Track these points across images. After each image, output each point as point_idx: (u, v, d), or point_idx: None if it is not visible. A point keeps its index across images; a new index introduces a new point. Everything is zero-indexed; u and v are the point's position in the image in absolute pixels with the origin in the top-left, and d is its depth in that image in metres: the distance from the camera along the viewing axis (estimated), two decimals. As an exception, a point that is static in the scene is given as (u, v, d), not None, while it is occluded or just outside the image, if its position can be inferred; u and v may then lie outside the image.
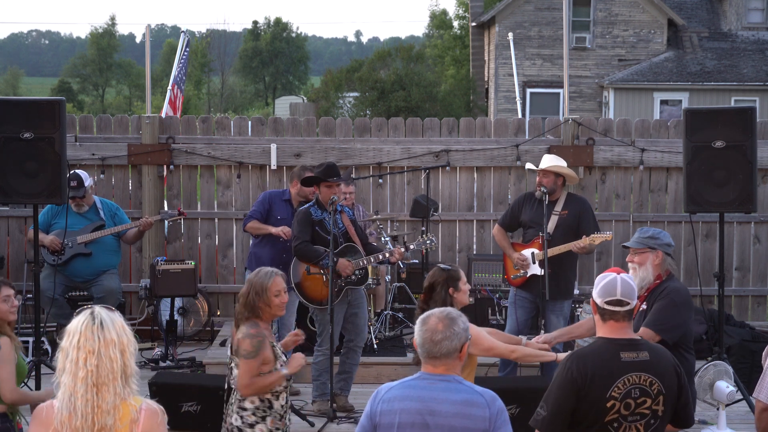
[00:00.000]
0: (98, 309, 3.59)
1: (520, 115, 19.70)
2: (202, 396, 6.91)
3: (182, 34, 13.67)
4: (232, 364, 5.31)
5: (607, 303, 4.33)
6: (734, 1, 29.35)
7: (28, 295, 9.05)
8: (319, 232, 7.70)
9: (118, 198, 10.07)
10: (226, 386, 5.45)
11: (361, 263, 7.78)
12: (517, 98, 20.89)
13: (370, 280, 8.63)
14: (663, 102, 27.74)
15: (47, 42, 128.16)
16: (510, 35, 21.38)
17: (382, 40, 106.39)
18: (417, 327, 4.07)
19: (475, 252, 10.30)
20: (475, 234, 10.37)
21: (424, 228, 9.47)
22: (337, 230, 7.74)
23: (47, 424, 3.54)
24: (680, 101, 27.38)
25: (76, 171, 9.05)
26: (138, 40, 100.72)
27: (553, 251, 7.80)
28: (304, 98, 46.38)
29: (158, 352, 9.04)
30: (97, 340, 3.51)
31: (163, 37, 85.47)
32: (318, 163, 8.46)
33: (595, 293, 4.38)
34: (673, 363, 4.37)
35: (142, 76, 21.96)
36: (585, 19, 28.82)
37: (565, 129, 10.13)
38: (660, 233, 6.00)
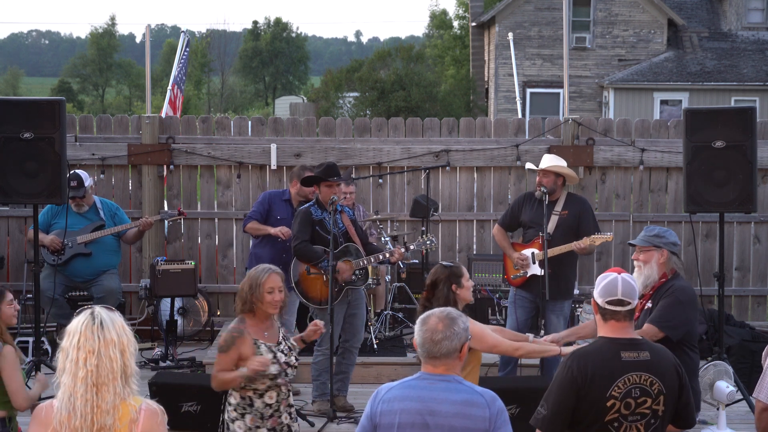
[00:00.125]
0: (98, 309, 3.59)
1: (520, 115, 19.70)
2: (202, 396, 6.90)
3: (182, 34, 13.67)
4: None
5: (608, 303, 4.33)
6: (734, 1, 29.35)
7: (28, 295, 9.05)
8: (319, 232, 7.69)
9: (118, 198, 10.07)
10: None
11: (361, 263, 7.78)
12: (517, 98, 20.89)
13: (370, 280, 8.63)
14: (663, 102, 27.74)
15: (47, 42, 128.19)
16: (510, 35, 21.39)
17: (382, 40, 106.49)
18: (417, 327, 4.07)
19: (475, 252, 10.30)
20: (475, 234, 10.37)
21: (424, 228, 9.47)
22: (337, 230, 7.74)
23: (47, 424, 3.54)
24: (680, 101, 27.38)
25: (76, 171, 9.05)
26: (138, 40, 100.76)
27: (553, 251, 7.79)
28: (304, 98, 46.39)
29: (158, 352, 9.04)
30: (97, 340, 3.51)
31: (163, 37, 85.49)
32: (318, 163, 8.46)
33: (596, 293, 4.38)
34: (674, 363, 4.36)
35: (142, 76, 21.96)
36: (585, 19, 28.82)
37: (565, 129, 10.13)
38: (666, 232, 5.99)
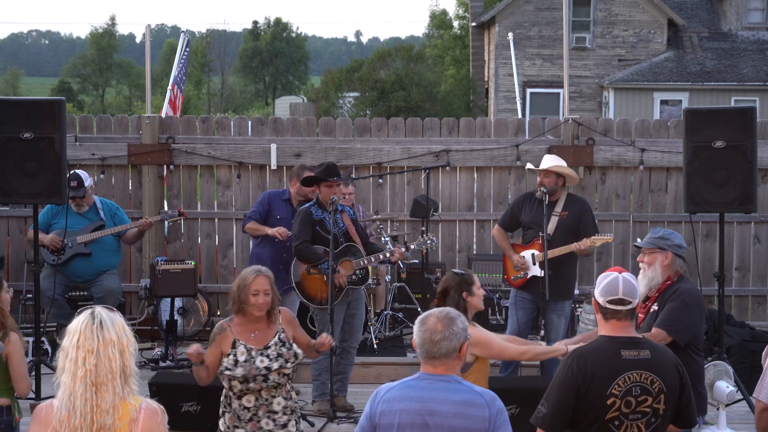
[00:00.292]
0: (99, 309, 3.60)
1: (520, 115, 19.70)
2: (202, 396, 6.89)
3: (182, 34, 13.67)
4: None
5: (609, 302, 4.33)
6: (734, 1, 29.34)
7: (28, 295, 9.06)
8: (320, 232, 7.69)
9: (118, 198, 10.07)
10: None
11: (361, 263, 7.77)
12: (517, 98, 20.88)
13: (370, 280, 8.63)
14: (663, 102, 27.74)
15: (47, 42, 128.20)
16: (510, 35, 21.38)
17: (382, 40, 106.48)
18: (416, 327, 4.07)
19: (475, 252, 10.30)
20: (475, 234, 10.37)
21: (424, 228, 9.48)
22: (338, 230, 7.74)
23: (46, 423, 3.54)
24: (680, 101, 27.37)
25: (76, 171, 9.05)
26: (138, 40, 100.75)
27: (553, 253, 7.78)
28: (304, 98, 46.39)
29: (158, 352, 9.04)
30: (96, 339, 3.52)
31: (163, 37, 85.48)
32: (318, 163, 8.45)
33: (597, 292, 4.38)
34: (674, 362, 4.36)
35: (142, 76, 21.96)
36: (585, 19, 28.81)
37: (565, 129, 10.13)
38: (671, 234, 5.95)
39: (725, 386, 6.84)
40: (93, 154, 10.07)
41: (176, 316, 9.30)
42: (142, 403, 3.57)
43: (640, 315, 5.84)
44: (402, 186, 10.32)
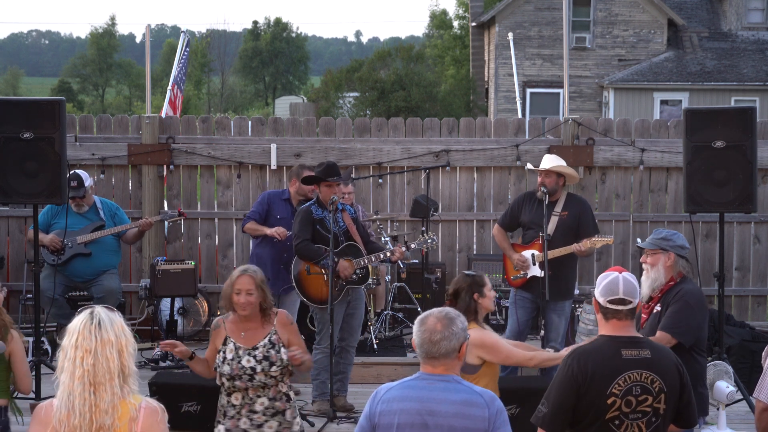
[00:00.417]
0: (98, 309, 3.59)
1: (520, 115, 19.69)
2: (202, 396, 6.89)
3: (182, 34, 13.67)
4: None
5: (610, 302, 4.33)
6: (734, 1, 29.34)
7: (28, 295, 9.06)
8: (320, 231, 7.69)
9: (118, 198, 10.07)
10: None
11: (362, 262, 7.77)
12: (517, 98, 20.88)
13: (370, 280, 8.62)
14: (663, 102, 27.74)
15: (47, 42, 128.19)
16: (510, 35, 21.38)
17: (382, 40, 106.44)
18: (415, 327, 4.07)
19: (475, 252, 10.30)
20: (475, 234, 10.37)
21: (424, 228, 9.47)
22: (338, 229, 7.73)
23: (46, 423, 3.54)
24: (680, 101, 27.37)
25: (76, 171, 9.05)
26: (138, 40, 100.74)
27: (553, 253, 7.78)
28: (304, 98, 46.38)
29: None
30: (94, 339, 3.51)
31: (163, 37, 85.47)
32: (318, 163, 8.45)
33: (597, 292, 4.38)
34: (675, 362, 4.36)
35: (142, 76, 21.96)
36: (585, 19, 28.81)
37: (565, 129, 10.13)
38: (673, 235, 5.94)
39: (725, 386, 6.84)
40: (93, 154, 10.07)
41: (176, 316, 9.31)
42: (142, 402, 3.56)
43: (643, 315, 5.85)
44: (402, 186, 10.32)
